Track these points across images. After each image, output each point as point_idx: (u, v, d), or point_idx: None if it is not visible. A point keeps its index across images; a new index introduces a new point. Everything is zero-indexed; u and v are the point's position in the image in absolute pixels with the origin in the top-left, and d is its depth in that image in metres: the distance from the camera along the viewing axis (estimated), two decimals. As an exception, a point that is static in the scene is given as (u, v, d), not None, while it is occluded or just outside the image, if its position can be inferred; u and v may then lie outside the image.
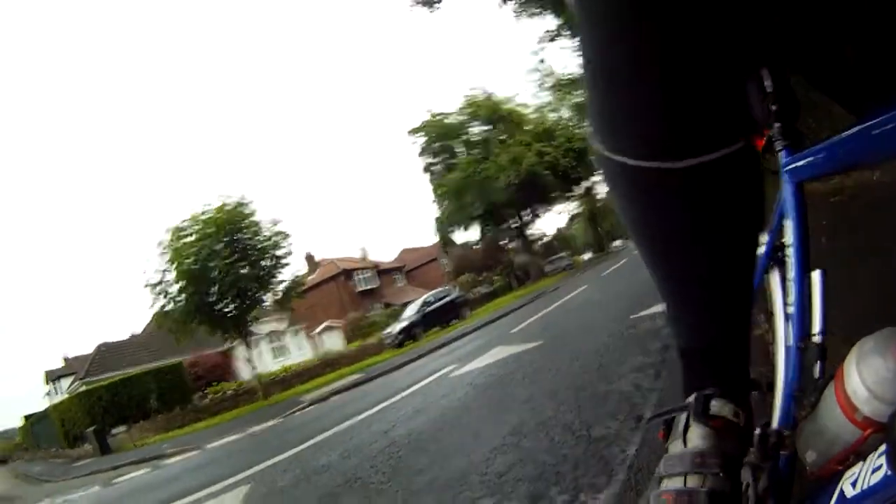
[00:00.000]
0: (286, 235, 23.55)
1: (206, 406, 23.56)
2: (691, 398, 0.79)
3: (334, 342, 41.38)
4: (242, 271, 21.46)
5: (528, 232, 50.23)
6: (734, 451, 0.75)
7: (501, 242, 50.35)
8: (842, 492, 0.59)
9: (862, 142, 0.67)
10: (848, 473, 0.59)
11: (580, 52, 0.66)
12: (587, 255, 64.75)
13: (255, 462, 6.22)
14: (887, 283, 2.96)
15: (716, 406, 0.76)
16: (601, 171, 0.72)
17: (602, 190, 64.04)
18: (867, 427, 0.60)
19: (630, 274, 13.71)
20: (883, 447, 0.52)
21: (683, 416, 0.79)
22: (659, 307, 6.03)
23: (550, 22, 17.77)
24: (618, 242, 65.15)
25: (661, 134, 0.60)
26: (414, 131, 46.36)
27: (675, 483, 0.71)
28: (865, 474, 0.54)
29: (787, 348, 0.95)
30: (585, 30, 0.64)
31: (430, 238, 60.52)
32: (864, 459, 0.56)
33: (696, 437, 0.74)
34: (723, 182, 0.66)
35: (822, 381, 0.73)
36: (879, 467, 0.51)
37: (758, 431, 0.91)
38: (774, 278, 1.24)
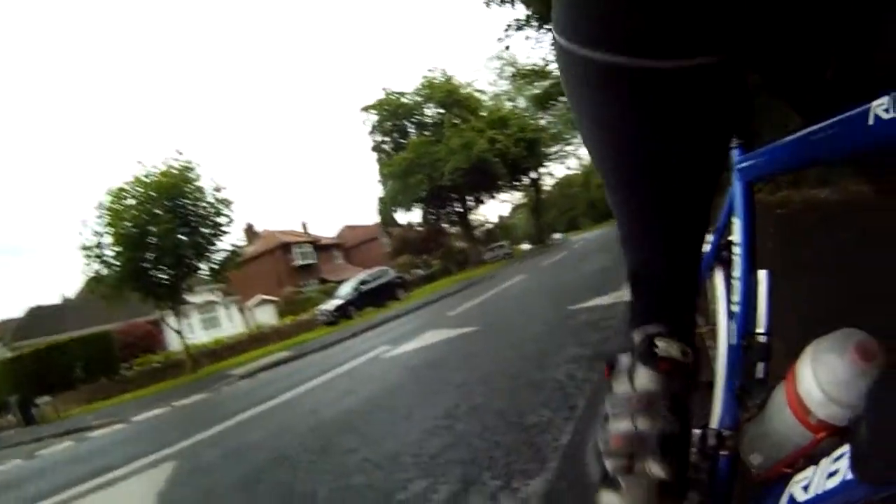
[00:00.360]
0: (229, 203, 23.10)
1: (132, 377, 22.91)
2: (637, 336, 0.74)
3: (267, 316, 40.94)
4: (181, 238, 20.92)
5: (471, 218, 50.49)
6: (682, 392, 0.71)
7: (443, 226, 50.41)
8: (791, 496, 0.57)
9: (810, 144, 0.66)
10: (798, 477, 0.57)
11: None
12: (527, 246, 65.47)
13: (181, 437, 6.08)
14: (825, 292, 3.09)
15: (662, 347, 0.71)
16: (561, 68, 0.65)
17: (548, 182, 65.38)
18: (820, 430, 0.59)
19: (569, 267, 13.92)
20: (840, 451, 0.50)
21: (629, 356, 0.74)
22: (597, 300, 6.14)
23: (520, 11, 17.77)
24: (558, 235, 66.26)
25: (645, 28, 0.53)
26: (367, 108, 46.01)
27: (623, 425, 0.68)
28: (819, 478, 0.53)
29: (730, 347, 0.95)
30: None
31: (372, 217, 60.26)
32: (817, 463, 0.54)
33: (644, 378, 0.69)
34: (702, 91, 0.59)
35: (770, 382, 0.72)
36: (835, 472, 0.50)
37: (698, 432, 0.90)
38: (719, 276, 1.25)
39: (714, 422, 0.96)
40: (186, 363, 22.14)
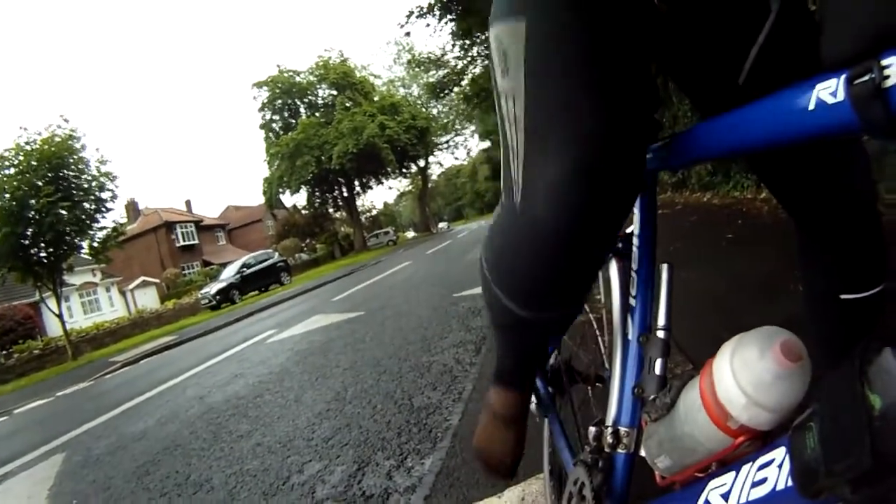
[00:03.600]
0: (113, 177, 21.44)
1: (12, 365, 20.93)
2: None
3: (148, 299, 39.29)
4: (63, 212, 19.20)
5: (357, 203, 50.12)
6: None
7: (329, 210, 49.78)
8: (708, 502, 0.53)
9: (727, 133, 0.63)
10: (715, 483, 0.54)
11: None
12: (411, 234, 65.85)
13: (67, 429, 5.72)
14: (705, 285, 3.26)
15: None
16: (488, 303, 0.96)
17: (436, 171, 65.95)
18: (741, 435, 0.55)
19: (454, 255, 14.07)
20: (768, 458, 0.47)
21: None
22: (480, 288, 6.20)
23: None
24: (443, 225, 67.01)
25: (543, 299, 0.81)
26: (259, 84, 44.62)
27: None
28: (743, 486, 0.49)
29: (627, 342, 0.92)
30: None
31: (257, 198, 58.53)
32: (737, 470, 0.51)
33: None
34: (552, 325, 0.96)
35: (679, 381, 0.69)
36: (763, 480, 0.46)
37: (592, 429, 0.87)
38: (614, 268, 1.23)
39: (610, 419, 0.93)
40: (68, 350, 20.54)
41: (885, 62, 0.40)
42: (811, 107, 0.47)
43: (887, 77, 0.40)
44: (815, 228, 0.97)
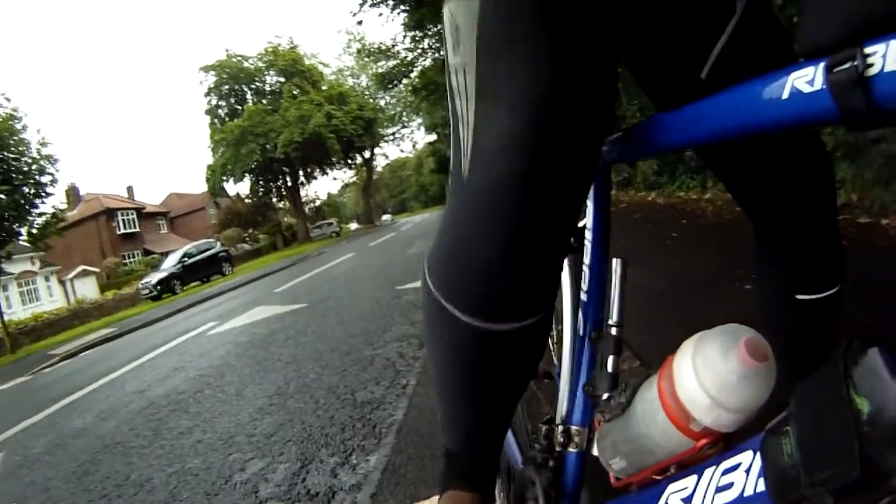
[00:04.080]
0: (54, 161, 20.51)
1: None
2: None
3: (88, 289, 37.95)
4: (1, 196, 18.32)
5: (302, 193, 49.54)
6: None
7: (272, 200, 49.04)
8: (667, 507, 0.51)
9: (689, 124, 0.62)
10: (675, 486, 0.52)
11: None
12: (355, 225, 65.47)
13: (5, 427, 5.50)
14: (648, 286, 3.31)
15: None
16: (425, 308, 0.79)
17: (381, 163, 65.63)
18: (703, 437, 0.53)
19: (397, 248, 14.03)
20: (734, 461, 0.45)
21: None
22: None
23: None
24: (386, 217, 66.83)
25: (499, 303, 0.67)
26: (206, 68, 43.54)
27: None
28: (706, 491, 0.47)
29: (578, 338, 0.91)
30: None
31: (200, 186, 57.19)
32: (699, 473, 0.49)
33: None
34: (528, 342, 0.74)
35: (636, 380, 0.67)
36: (729, 485, 0.44)
37: (542, 427, 0.85)
38: (564, 262, 1.21)
39: (560, 417, 0.91)
40: (6, 342, 19.53)
41: (868, 50, 0.38)
42: (785, 95, 0.46)
43: (870, 65, 0.38)
44: (772, 227, 0.97)
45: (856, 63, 0.39)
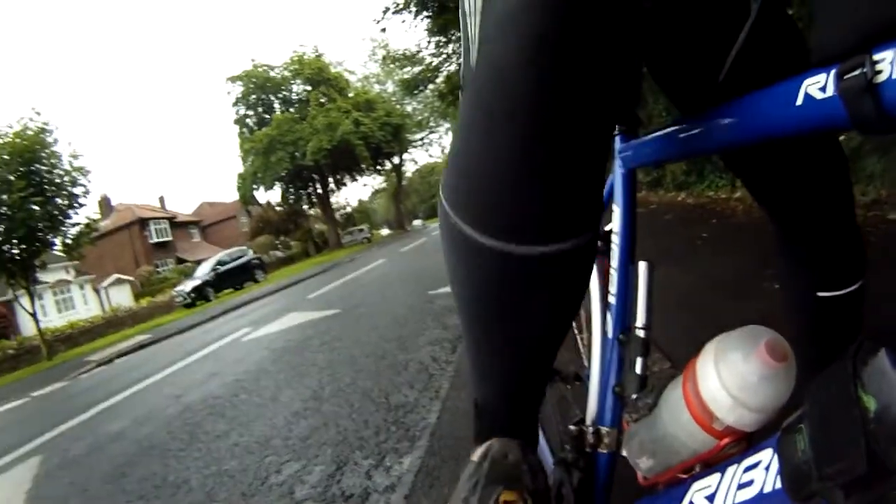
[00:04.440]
0: (86, 172, 21.03)
1: None
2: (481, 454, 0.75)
3: (123, 297, 38.61)
4: (34, 208, 18.74)
5: (332, 200, 49.86)
6: None
7: (303, 207, 49.43)
8: (692, 504, 0.53)
9: (710, 130, 0.63)
10: (699, 485, 0.53)
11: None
12: (386, 231, 65.67)
13: (43, 430, 5.64)
14: (679, 282, 3.29)
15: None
16: (443, 236, 0.65)
17: (410, 168, 65.82)
18: (726, 436, 0.54)
19: (429, 253, 14.05)
20: (754, 459, 0.46)
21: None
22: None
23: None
24: (417, 222, 66.86)
25: (527, 219, 0.55)
26: (233, 78, 44.09)
27: None
28: (728, 488, 0.48)
29: (606, 340, 0.91)
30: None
31: (231, 194, 57.92)
32: (722, 471, 0.50)
33: None
34: (570, 269, 0.61)
35: (661, 382, 0.68)
36: (750, 483, 0.45)
37: (572, 428, 0.86)
38: (594, 266, 1.22)
39: (590, 418, 0.93)
40: (42, 349, 20.19)
41: (876, 57, 0.39)
42: (799, 102, 0.47)
43: (879, 72, 0.39)
44: (793, 226, 0.99)
45: (865, 70, 0.40)
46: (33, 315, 19.73)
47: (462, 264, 0.64)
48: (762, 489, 0.44)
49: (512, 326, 0.65)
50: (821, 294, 0.97)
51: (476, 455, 0.76)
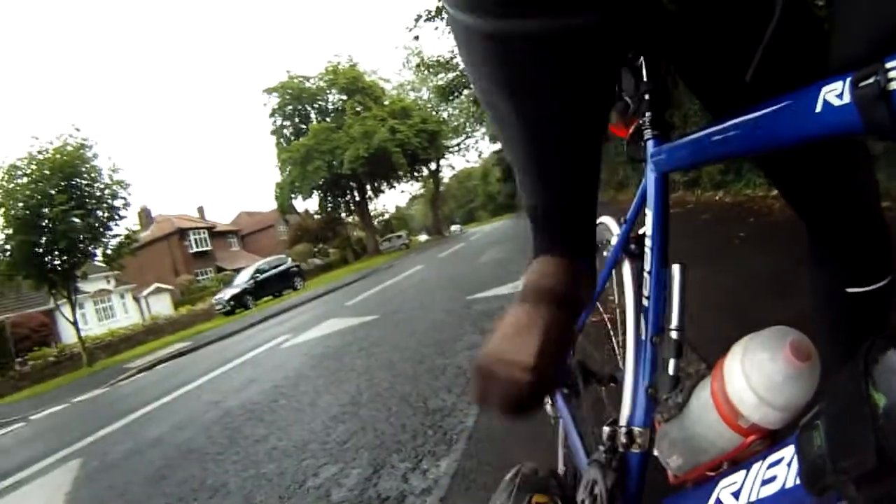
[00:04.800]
0: (126, 185, 21.62)
1: (27, 373, 21.18)
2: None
3: (163, 306, 39.51)
4: (76, 220, 19.30)
5: (370, 207, 50.19)
6: None
7: (341, 215, 49.85)
8: (719, 501, 0.54)
9: (738, 135, 0.64)
10: (726, 482, 0.54)
11: None
12: (424, 237, 65.83)
13: (83, 434, 5.82)
14: (717, 283, 3.26)
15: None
16: (456, 37, 0.60)
17: (447, 174, 66.03)
18: (751, 434, 0.56)
19: (467, 258, 14.05)
20: (777, 456, 0.47)
21: None
22: (495, 290, 6.20)
23: (431, 1, 17.86)
24: (455, 227, 66.90)
25: None
26: (269, 90, 44.79)
27: None
28: (752, 485, 0.50)
29: (641, 342, 0.92)
30: None
31: (269, 203, 58.72)
32: (747, 467, 0.51)
33: None
34: (579, 47, 0.55)
35: (691, 382, 0.69)
36: (773, 479, 0.47)
37: (606, 428, 0.88)
38: (626, 269, 1.23)
39: (623, 419, 0.94)
40: (83, 356, 20.77)
41: (889, 65, 0.41)
42: (818, 109, 0.48)
43: (892, 80, 0.40)
44: (821, 224, 1.00)
45: (878, 78, 0.41)
46: (74, 323, 20.26)
47: (471, 60, 0.61)
48: (784, 484, 0.45)
49: (535, 116, 0.62)
50: (850, 290, 0.98)
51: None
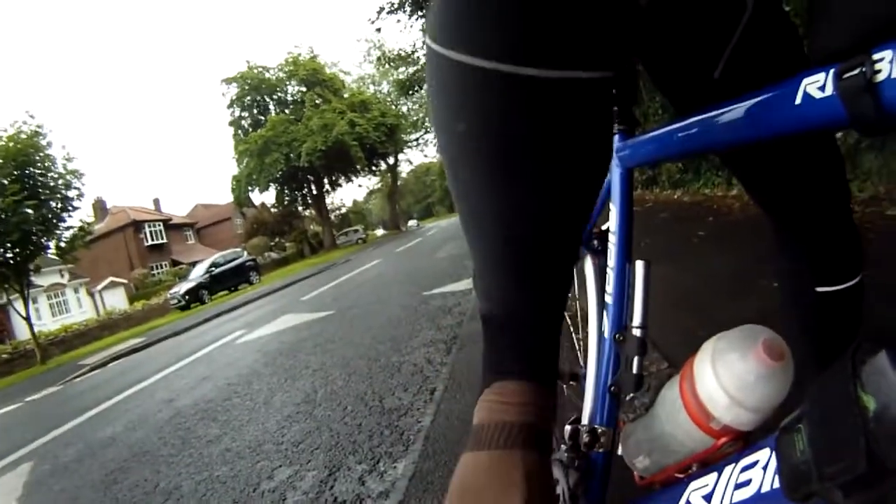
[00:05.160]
0: (80, 175, 21.06)
1: None
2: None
3: (117, 300, 38.87)
4: (29, 211, 18.71)
5: (327, 201, 49.84)
6: None
7: (298, 208, 49.40)
8: (689, 503, 0.52)
9: (709, 129, 0.62)
10: (696, 484, 0.53)
11: None
12: (381, 232, 65.74)
13: (36, 436, 5.68)
14: (675, 280, 3.29)
15: None
16: (430, 68, 0.54)
17: (405, 169, 65.94)
18: (723, 435, 0.54)
19: (424, 253, 14.06)
20: (752, 459, 0.46)
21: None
22: (451, 286, 6.21)
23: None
24: (412, 222, 66.99)
25: (533, 34, 0.45)
26: (228, 80, 44.08)
27: None
28: (725, 488, 0.48)
29: (603, 340, 0.91)
30: None
31: (226, 196, 57.86)
32: (719, 471, 0.50)
33: None
34: (589, 105, 0.51)
35: (657, 381, 0.68)
36: (747, 482, 0.45)
37: (568, 427, 0.86)
38: (588, 266, 1.23)
39: (586, 418, 0.92)
40: (37, 353, 20.24)
41: (876, 56, 0.39)
42: (797, 101, 0.47)
43: (878, 71, 0.39)
44: (789, 223, 0.99)
45: (864, 69, 0.40)
46: (27, 319, 19.70)
47: (450, 103, 0.53)
48: (759, 489, 0.44)
49: (518, 181, 0.53)
50: (819, 289, 0.98)
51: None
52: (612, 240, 0.92)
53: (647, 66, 0.97)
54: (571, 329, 1.44)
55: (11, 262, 19.10)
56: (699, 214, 5.44)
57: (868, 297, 0.99)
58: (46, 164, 20.11)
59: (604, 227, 1.06)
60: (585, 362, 1.07)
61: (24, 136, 19.49)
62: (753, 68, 0.78)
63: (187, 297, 25.22)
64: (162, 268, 45.21)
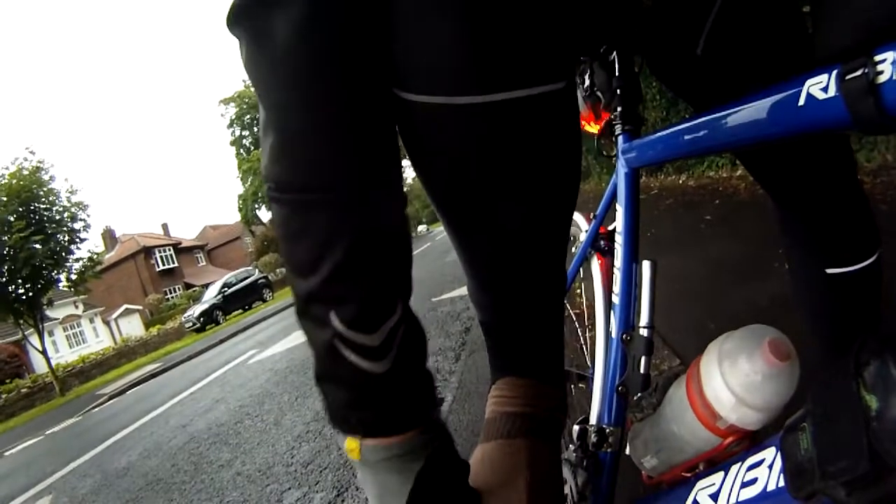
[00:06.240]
0: (84, 206, 21.11)
1: (1, 406, 20.44)
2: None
3: (133, 327, 39.10)
4: (37, 247, 18.77)
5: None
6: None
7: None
8: (697, 503, 0.53)
9: (714, 129, 0.63)
10: (703, 483, 0.53)
11: None
12: (391, 239, 65.53)
13: (55, 469, 5.73)
14: (682, 269, 3.24)
15: None
16: (414, 131, 0.57)
17: (411, 175, 65.67)
18: (729, 435, 0.55)
19: (433, 258, 14.00)
20: (758, 458, 0.46)
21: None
22: (460, 291, 6.17)
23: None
24: (422, 228, 66.84)
25: (464, 63, 0.46)
26: (226, 101, 44.28)
27: None
28: (731, 487, 0.48)
29: (610, 340, 0.91)
30: None
31: (233, 215, 57.93)
32: (726, 470, 0.50)
33: None
34: (541, 122, 0.52)
35: (665, 381, 0.68)
36: (753, 481, 0.46)
37: (576, 427, 0.87)
38: (595, 266, 1.23)
39: (594, 418, 0.93)
40: (55, 385, 20.28)
41: (878, 58, 0.40)
42: (801, 102, 0.47)
43: (880, 72, 0.40)
44: (795, 203, 0.94)
45: (866, 71, 0.40)
46: (43, 352, 19.66)
47: (423, 141, 0.58)
48: (765, 487, 0.44)
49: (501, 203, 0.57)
50: (830, 271, 0.90)
51: None
52: (619, 240, 0.92)
53: (651, 67, 0.97)
54: (579, 329, 1.44)
55: (24, 297, 19.11)
56: (705, 198, 5.29)
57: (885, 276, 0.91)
58: (51, 199, 20.13)
59: (610, 228, 1.06)
60: (593, 363, 1.08)
61: (25, 172, 19.52)
62: (734, 43, 0.77)
63: (202, 318, 25.23)
64: (175, 292, 45.36)
